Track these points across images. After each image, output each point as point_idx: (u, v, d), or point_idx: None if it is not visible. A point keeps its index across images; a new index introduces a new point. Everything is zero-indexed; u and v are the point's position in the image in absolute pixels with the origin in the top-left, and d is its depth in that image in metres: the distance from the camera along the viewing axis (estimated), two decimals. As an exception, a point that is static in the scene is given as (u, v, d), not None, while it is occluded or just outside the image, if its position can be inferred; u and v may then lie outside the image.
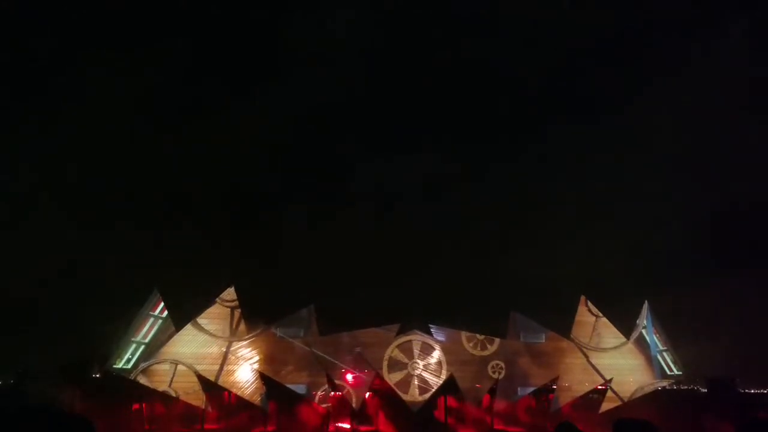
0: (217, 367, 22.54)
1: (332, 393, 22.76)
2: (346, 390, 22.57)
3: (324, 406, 22.53)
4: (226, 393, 22.80)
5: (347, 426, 22.85)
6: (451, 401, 23.55)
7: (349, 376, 22.61)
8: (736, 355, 24.64)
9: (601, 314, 24.53)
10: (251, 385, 22.49)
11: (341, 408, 22.75)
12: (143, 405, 22.25)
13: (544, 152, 35.81)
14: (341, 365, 22.73)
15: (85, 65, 31.31)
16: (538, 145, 36.07)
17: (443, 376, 23.02)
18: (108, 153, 32.42)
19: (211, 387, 22.41)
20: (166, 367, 22.26)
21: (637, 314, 24.80)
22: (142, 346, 22.41)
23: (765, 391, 26.17)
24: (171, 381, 22.06)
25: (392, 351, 23.16)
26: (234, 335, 23.04)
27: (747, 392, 25.60)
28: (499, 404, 23.02)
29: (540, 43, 35.70)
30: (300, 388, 22.58)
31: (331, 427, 22.59)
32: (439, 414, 23.49)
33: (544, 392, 24.06)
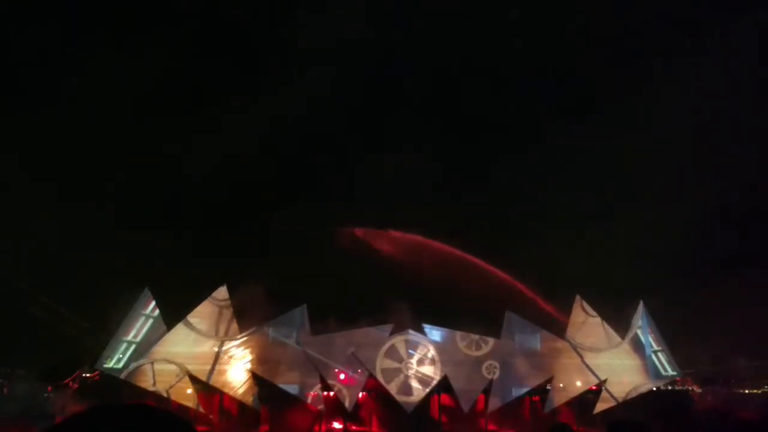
0: (208, 367, 22.24)
1: (325, 393, 22.49)
2: (339, 390, 22.32)
3: (316, 405, 22.25)
4: (218, 394, 22.49)
5: (340, 426, 22.62)
6: (445, 401, 23.32)
7: (342, 377, 22.36)
8: (730, 356, 24.65)
9: (596, 314, 24.43)
10: (243, 385, 22.20)
11: (334, 408, 22.48)
12: None
13: (544, 154, 35.94)
14: (334, 365, 22.48)
15: (82, 59, 31.04)
16: (538, 146, 36.15)
17: (437, 376, 22.83)
18: (101, 152, 32.12)
19: (203, 387, 22.11)
20: (157, 366, 21.96)
21: (632, 314, 24.68)
22: (133, 346, 22.09)
23: (758, 392, 26.17)
24: (162, 381, 21.74)
25: (386, 351, 22.93)
26: (226, 335, 22.80)
27: (740, 393, 25.57)
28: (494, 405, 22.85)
29: (543, 44, 35.77)
30: (293, 388, 22.28)
31: (323, 428, 22.33)
32: (433, 414, 23.25)
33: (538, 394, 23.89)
